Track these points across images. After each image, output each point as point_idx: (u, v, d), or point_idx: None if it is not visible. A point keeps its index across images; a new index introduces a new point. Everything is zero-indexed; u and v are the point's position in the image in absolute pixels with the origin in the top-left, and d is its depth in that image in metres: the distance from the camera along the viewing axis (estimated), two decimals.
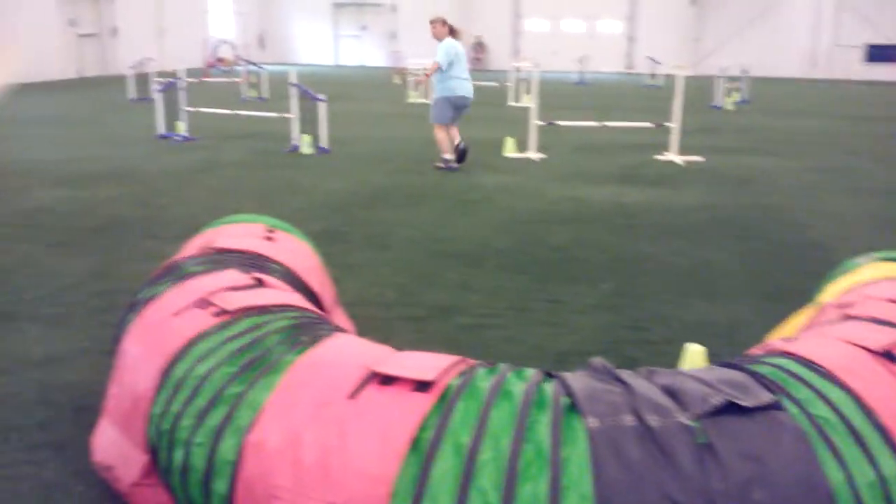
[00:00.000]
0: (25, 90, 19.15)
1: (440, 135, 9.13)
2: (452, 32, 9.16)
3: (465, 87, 9.08)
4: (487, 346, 3.92)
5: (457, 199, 7.43)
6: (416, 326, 4.17)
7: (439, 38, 9.12)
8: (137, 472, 2.37)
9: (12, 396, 3.23)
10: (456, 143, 9.16)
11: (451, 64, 8.96)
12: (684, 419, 1.82)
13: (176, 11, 28.51)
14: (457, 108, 9.18)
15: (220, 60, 26.68)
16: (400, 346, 3.84)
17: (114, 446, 2.48)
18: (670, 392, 1.91)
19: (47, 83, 21.52)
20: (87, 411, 3.09)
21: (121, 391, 2.46)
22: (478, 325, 4.20)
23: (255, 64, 18.59)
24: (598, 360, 2.04)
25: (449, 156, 9.13)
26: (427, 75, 9.48)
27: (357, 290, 4.74)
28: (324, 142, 10.28)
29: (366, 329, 4.09)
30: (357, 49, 36.28)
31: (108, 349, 3.68)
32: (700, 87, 22.29)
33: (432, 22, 9.30)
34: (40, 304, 4.37)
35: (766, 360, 2.13)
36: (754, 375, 2.02)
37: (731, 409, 1.87)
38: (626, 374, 1.98)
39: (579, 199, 7.51)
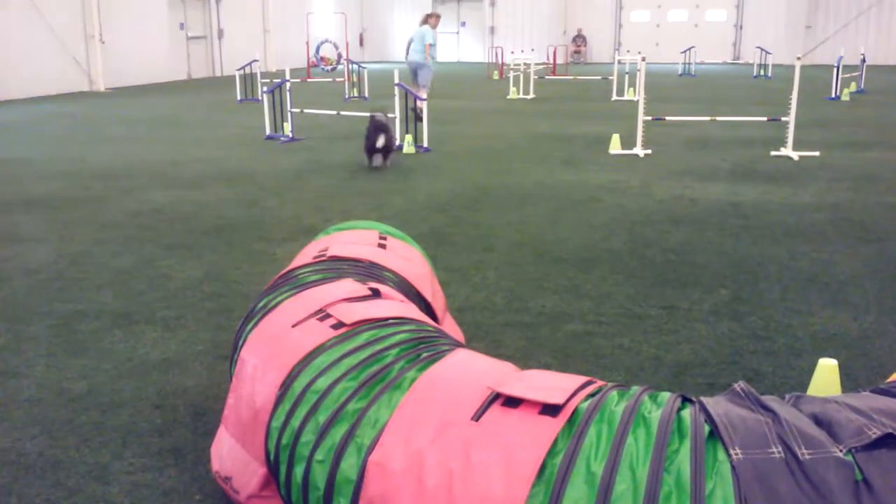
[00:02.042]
0: (140, 92, 19.96)
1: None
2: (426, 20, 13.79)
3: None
4: (600, 355, 3.79)
5: (562, 198, 7.29)
6: (525, 333, 4.08)
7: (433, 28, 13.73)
8: (255, 484, 2.37)
9: (131, 401, 3.30)
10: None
11: (411, 41, 13.71)
12: (838, 452, 1.67)
13: (279, 13, 29.20)
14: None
15: (323, 60, 27.17)
16: (509, 354, 3.79)
17: (232, 457, 2.48)
18: (821, 422, 1.76)
19: (159, 85, 22.37)
20: (204, 417, 3.13)
21: (239, 402, 2.46)
22: (588, 333, 4.07)
23: (356, 63, 18.82)
24: (741, 384, 1.91)
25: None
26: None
27: (464, 294, 4.68)
28: (425, 141, 10.29)
29: (474, 336, 4.03)
30: (455, 45, 36.33)
31: (224, 354, 3.75)
32: (813, 78, 21.36)
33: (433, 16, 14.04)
34: (157, 306, 4.48)
35: None
36: None
37: (888, 441, 1.71)
38: (771, 401, 1.84)
39: (690, 197, 7.25)
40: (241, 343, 2.66)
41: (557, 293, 4.69)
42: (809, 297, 4.57)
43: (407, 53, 13.91)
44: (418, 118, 10.75)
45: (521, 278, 4.98)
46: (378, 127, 8.84)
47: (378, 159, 8.99)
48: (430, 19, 13.90)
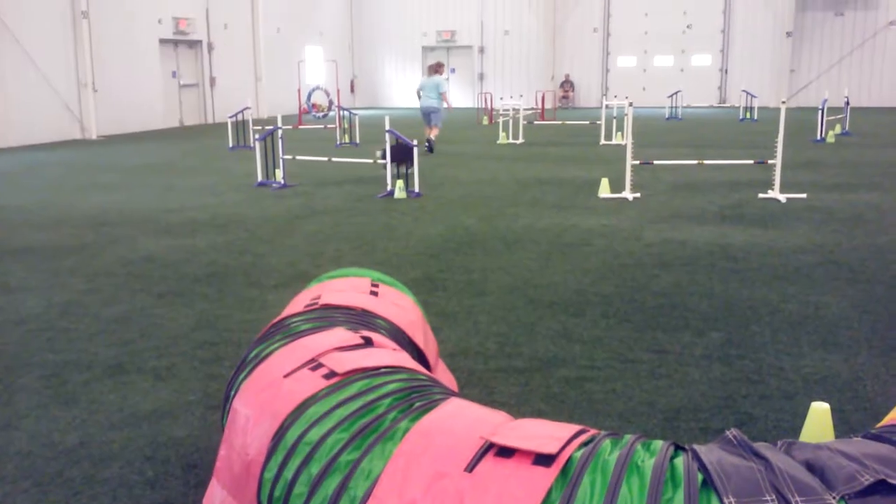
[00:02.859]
0: (133, 139, 20.06)
1: (425, 131, 16.08)
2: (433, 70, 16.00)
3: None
4: (592, 401, 3.79)
5: (553, 242, 7.33)
6: (518, 379, 4.08)
7: (430, 76, 15.98)
8: None
9: (122, 452, 3.28)
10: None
11: (421, 89, 15.91)
12: (831, 499, 1.68)
13: (271, 61, 29.51)
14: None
15: (314, 106, 27.40)
16: (502, 401, 3.78)
17: None
18: (813, 468, 1.77)
19: (152, 132, 22.50)
20: (196, 469, 3.11)
21: (231, 453, 2.45)
22: (581, 378, 4.07)
23: (347, 109, 18.98)
24: (733, 432, 1.91)
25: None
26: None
27: (456, 340, 4.68)
28: (416, 186, 10.36)
29: (467, 383, 4.03)
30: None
31: (215, 404, 3.73)
32: (798, 120, 21.65)
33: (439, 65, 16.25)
34: (148, 356, 4.47)
35: None
36: None
37: (881, 487, 1.71)
38: (763, 448, 1.84)
39: (680, 240, 7.30)
40: (233, 393, 2.66)
41: (550, 338, 4.70)
42: (800, 339, 4.59)
43: (419, 99, 15.98)
44: (430, 150, 14.88)
45: (514, 323, 4.99)
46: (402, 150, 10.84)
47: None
48: (440, 69, 16.13)
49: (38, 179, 12.61)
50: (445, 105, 15.89)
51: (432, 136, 15.88)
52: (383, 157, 10.98)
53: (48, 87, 19.45)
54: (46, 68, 19.34)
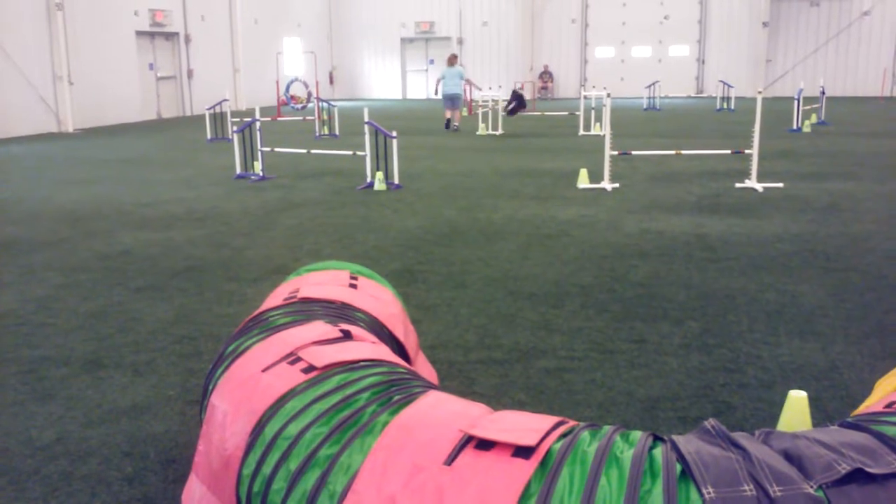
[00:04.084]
0: (109, 132, 19.86)
1: (446, 113, 19.35)
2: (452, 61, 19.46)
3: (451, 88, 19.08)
4: (572, 391, 3.80)
5: (532, 233, 7.34)
6: (498, 370, 4.09)
7: (451, 66, 19.27)
8: None
9: (100, 448, 3.25)
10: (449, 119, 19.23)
11: (444, 78, 19.09)
12: (809, 488, 1.69)
13: (249, 52, 29.31)
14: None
15: (293, 98, 27.25)
16: (482, 392, 3.79)
17: None
18: (791, 458, 1.78)
19: (129, 125, 22.29)
20: (175, 464, 3.09)
21: (209, 448, 2.43)
22: (560, 369, 4.09)
23: (326, 101, 18.90)
24: (711, 422, 1.92)
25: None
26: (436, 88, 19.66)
27: (436, 332, 4.68)
28: (396, 178, 10.33)
29: (447, 375, 4.03)
30: (424, 83, 36.63)
31: (194, 399, 3.71)
32: (774, 110, 21.80)
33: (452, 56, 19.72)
34: (126, 351, 4.43)
35: (893, 419, 1.98)
36: (881, 438, 1.87)
37: (858, 476, 1.73)
38: (741, 438, 1.86)
39: (658, 231, 7.34)
40: (211, 388, 2.64)
41: (529, 329, 4.71)
42: (777, 328, 4.63)
43: (438, 87, 19.50)
44: (453, 128, 19.03)
45: (493, 314, 5.00)
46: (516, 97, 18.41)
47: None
48: (456, 60, 19.65)
49: (13, 173, 12.46)
50: (473, 88, 21.41)
51: (455, 119, 19.09)
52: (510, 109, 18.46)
53: (23, 79, 19.21)
54: (21, 61, 19.09)
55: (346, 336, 2.65)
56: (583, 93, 20.20)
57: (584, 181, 10.11)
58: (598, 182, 10.07)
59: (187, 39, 25.97)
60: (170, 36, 25.42)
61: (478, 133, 18.15)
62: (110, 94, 22.25)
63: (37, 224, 8.24)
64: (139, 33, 23.66)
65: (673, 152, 11.47)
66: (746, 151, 10.06)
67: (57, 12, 19.87)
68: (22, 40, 19.14)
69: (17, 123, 19.15)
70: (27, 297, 5.53)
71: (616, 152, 10.32)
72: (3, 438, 3.36)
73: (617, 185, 9.96)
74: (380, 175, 10.20)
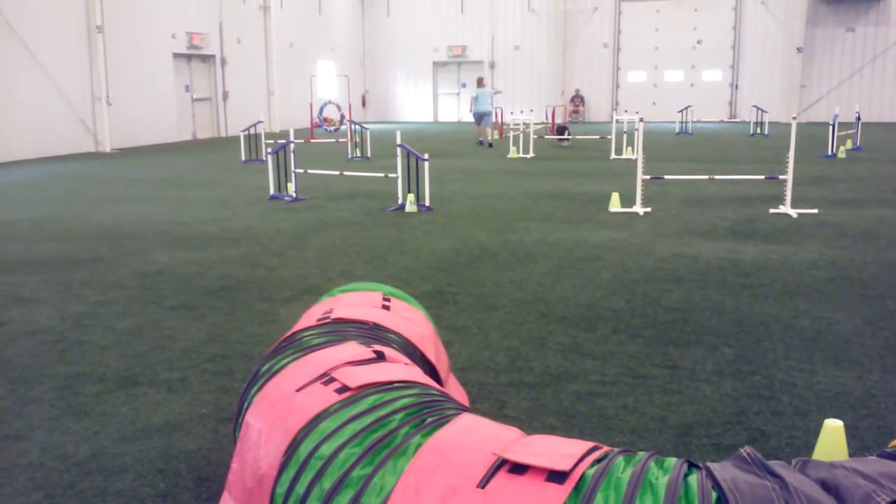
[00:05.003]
0: (146, 152, 20.19)
1: (478, 129, 21.70)
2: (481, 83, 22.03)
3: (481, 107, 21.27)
4: (604, 416, 3.78)
5: (564, 256, 7.33)
6: (529, 394, 4.07)
7: (481, 87, 21.66)
8: None
9: (134, 465, 3.29)
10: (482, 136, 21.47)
11: (476, 98, 21.20)
12: None
13: (283, 75, 29.69)
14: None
15: (326, 120, 27.53)
16: (513, 415, 3.78)
17: None
18: (829, 488, 1.76)
19: (165, 145, 22.64)
20: (207, 482, 3.11)
21: (244, 467, 2.45)
22: (592, 393, 4.07)
23: (358, 123, 19.07)
24: (747, 449, 1.91)
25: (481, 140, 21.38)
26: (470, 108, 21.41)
27: (467, 354, 4.68)
28: (427, 200, 10.38)
29: (478, 397, 4.03)
30: (455, 106, 36.83)
31: (227, 417, 3.74)
32: (809, 135, 21.61)
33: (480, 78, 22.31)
34: (160, 368, 4.48)
35: None
36: None
37: None
38: (778, 466, 1.84)
39: (691, 255, 7.29)
40: (245, 406, 2.66)
41: (561, 352, 4.69)
42: (812, 355, 4.57)
43: (472, 106, 21.40)
44: (488, 144, 21.07)
45: (524, 337, 4.99)
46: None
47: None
48: (483, 81, 22.30)
49: (52, 192, 12.70)
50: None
51: (488, 136, 21.26)
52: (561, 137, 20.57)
53: (62, 100, 19.61)
54: (61, 82, 19.50)
55: (380, 357, 2.66)
56: (615, 116, 20.17)
57: (615, 205, 10.09)
58: (630, 206, 10.03)
59: (223, 62, 26.39)
60: (206, 58, 25.84)
61: (508, 156, 18.19)
62: (147, 114, 22.64)
63: (75, 242, 8.38)
64: (176, 55, 24.09)
65: (706, 177, 11.41)
66: (781, 177, 9.97)
67: (97, 34, 20.30)
68: (62, 62, 19.57)
69: (56, 143, 19.54)
70: (64, 314, 5.62)
71: (648, 176, 10.28)
72: (39, 453, 3.41)
73: (649, 209, 9.92)
74: (411, 197, 10.25)
